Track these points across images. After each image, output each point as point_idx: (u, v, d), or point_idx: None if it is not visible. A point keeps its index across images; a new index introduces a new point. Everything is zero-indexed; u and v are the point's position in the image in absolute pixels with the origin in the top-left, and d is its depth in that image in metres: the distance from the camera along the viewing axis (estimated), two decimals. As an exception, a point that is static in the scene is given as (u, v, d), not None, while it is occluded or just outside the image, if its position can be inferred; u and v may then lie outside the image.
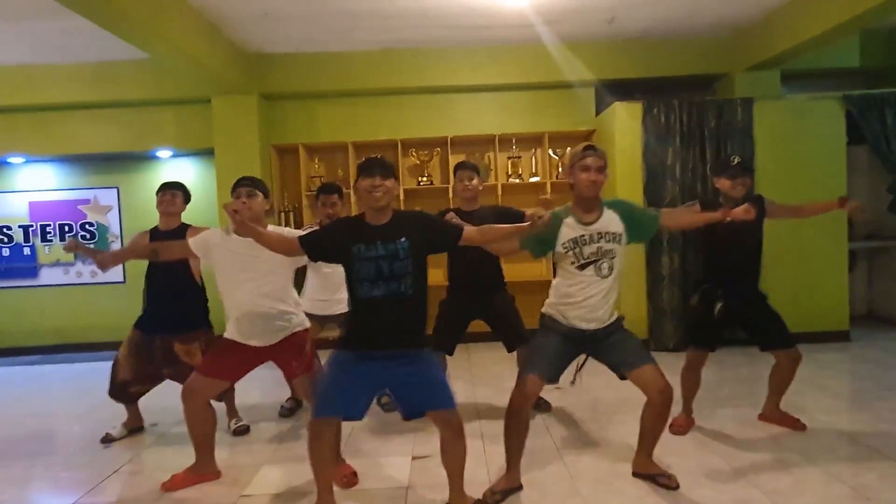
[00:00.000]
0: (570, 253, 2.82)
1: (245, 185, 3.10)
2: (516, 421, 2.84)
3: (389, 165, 2.62)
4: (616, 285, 2.87)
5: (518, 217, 3.32)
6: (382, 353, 2.56)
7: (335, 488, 2.77)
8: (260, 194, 3.12)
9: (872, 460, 3.11)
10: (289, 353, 3.15)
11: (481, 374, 5.12)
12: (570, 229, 2.83)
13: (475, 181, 3.89)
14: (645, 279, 5.76)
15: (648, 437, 2.96)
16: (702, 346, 3.63)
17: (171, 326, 3.73)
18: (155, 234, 3.82)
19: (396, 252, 2.51)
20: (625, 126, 5.76)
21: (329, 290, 4.11)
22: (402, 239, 2.53)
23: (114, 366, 3.84)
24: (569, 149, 6.51)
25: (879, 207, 6.39)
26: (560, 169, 6.48)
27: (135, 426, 4.02)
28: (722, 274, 3.54)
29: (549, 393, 4.28)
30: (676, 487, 2.86)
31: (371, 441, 3.66)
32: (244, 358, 3.13)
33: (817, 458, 3.15)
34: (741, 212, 2.95)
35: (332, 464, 2.74)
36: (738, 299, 3.49)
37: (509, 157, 6.51)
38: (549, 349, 2.86)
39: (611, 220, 2.84)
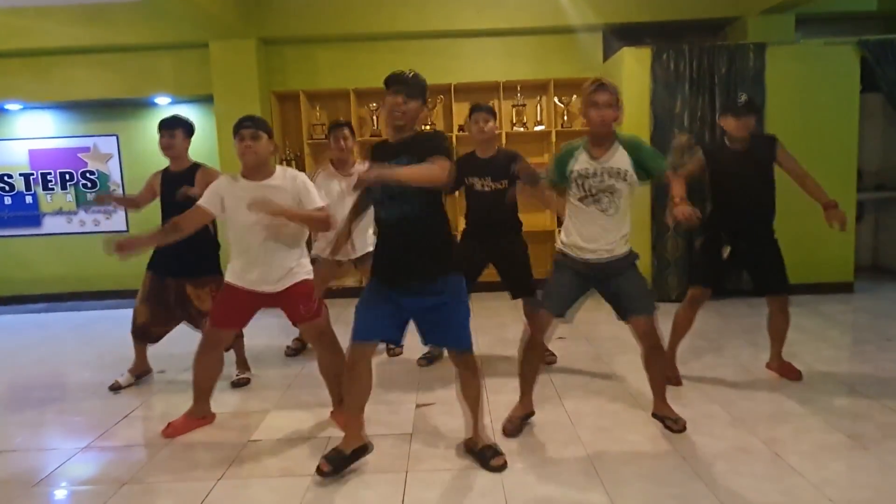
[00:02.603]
0: (575, 185, 2.86)
1: (248, 127, 2.96)
2: (530, 352, 3.02)
3: (416, 84, 2.61)
4: (620, 223, 2.86)
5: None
6: (402, 288, 2.57)
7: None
8: (264, 135, 2.99)
9: (871, 410, 3.15)
10: (295, 299, 3.08)
11: (484, 325, 5.15)
12: (578, 162, 2.86)
13: (490, 124, 3.80)
14: (650, 230, 5.73)
15: (653, 383, 3.09)
16: (704, 284, 3.61)
17: (182, 270, 3.72)
18: (166, 176, 3.78)
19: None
20: (633, 72, 5.62)
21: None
22: (412, 158, 2.46)
23: (134, 310, 3.89)
24: (574, 96, 6.39)
25: (891, 157, 6.30)
26: (565, 117, 6.37)
27: (141, 371, 4.06)
28: (728, 217, 3.54)
29: (551, 343, 4.33)
30: (680, 430, 2.95)
31: (375, 389, 3.70)
32: (250, 303, 3.11)
33: (816, 408, 3.19)
34: (680, 214, 3.07)
35: (369, 389, 2.73)
36: (744, 242, 3.50)
37: (514, 105, 6.38)
38: (561, 284, 2.94)
39: (620, 157, 2.83)
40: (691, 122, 5.58)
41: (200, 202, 3.06)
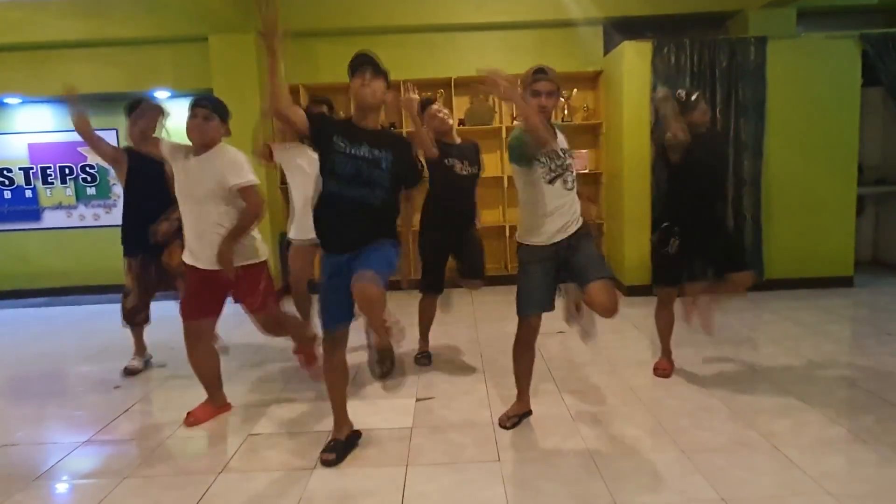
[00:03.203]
0: (544, 166, 2.85)
1: (204, 107, 2.99)
2: (524, 354, 3.06)
3: (380, 65, 2.63)
4: (577, 198, 2.95)
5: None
6: (344, 253, 2.62)
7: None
8: (217, 118, 3.02)
9: (871, 404, 3.16)
10: (243, 286, 3.09)
11: (484, 318, 5.17)
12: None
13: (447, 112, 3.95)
14: (650, 223, 5.71)
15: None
16: (668, 284, 3.68)
17: (155, 247, 3.84)
18: (134, 155, 3.90)
19: (380, 161, 2.57)
20: (633, 66, 5.60)
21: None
22: (388, 153, 2.59)
23: (123, 297, 4.02)
24: (575, 90, 6.38)
25: (892, 151, 6.29)
26: (566, 111, 6.36)
27: (146, 355, 4.20)
28: (677, 209, 3.57)
29: (550, 338, 4.33)
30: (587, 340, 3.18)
31: (375, 384, 3.72)
32: (210, 286, 3.10)
33: (816, 402, 3.19)
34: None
35: (345, 386, 2.86)
36: (694, 230, 3.50)
37: (514, 99, 6.36)
38: (536, 282, 2.92)
39: (563, 139, 2.96)
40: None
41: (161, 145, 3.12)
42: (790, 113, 5.56)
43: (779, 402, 3.23)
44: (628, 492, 2.40)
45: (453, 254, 3.98)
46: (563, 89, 6.09)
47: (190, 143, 3.06)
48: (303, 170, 3.86)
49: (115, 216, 6.92)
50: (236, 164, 3.00)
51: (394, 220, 2.76)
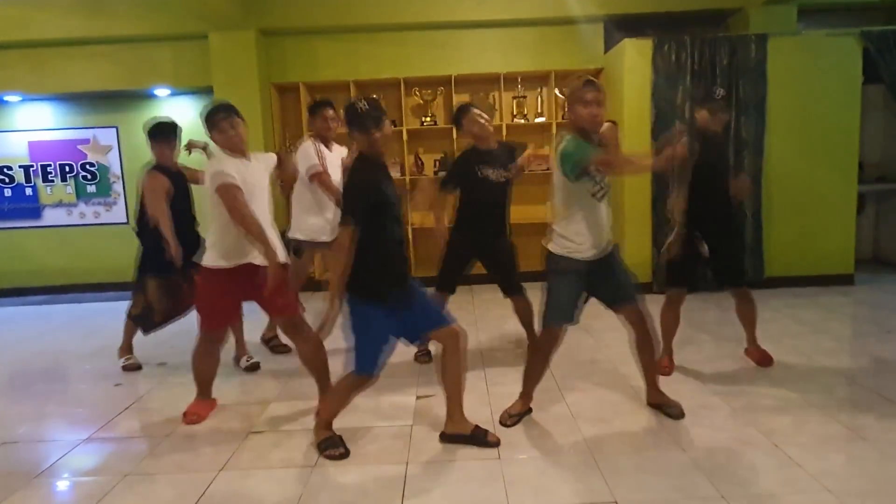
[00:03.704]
0: (592, 179, 2.80)
1: (238, 115, 3.08)
2: (542, 360, 3.09)
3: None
4: (608, 210, 2.95)
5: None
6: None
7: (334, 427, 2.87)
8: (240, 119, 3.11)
9: (871, 402, 3.16)
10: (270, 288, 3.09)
11: (484, 316, 5.17)
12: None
13: (488, 118, 3.83)
14: (650, 221, 5.72)
15: (646, 371, 3.14)
16: (679, 285, 3.68)
17: (186, 256, 3.72)
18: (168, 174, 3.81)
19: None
20: (634, 64, 5.60)
21: (321, 208, 3.99)
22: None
23: (146, 310, 3.88)
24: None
25: (893, 149, 6.28)
26: (566, 109, 6.35)
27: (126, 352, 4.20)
28: (706, 211, 3.54)
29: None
30: (679, 416, 3.01)
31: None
32: (234, 293, 3.13)
33: (816, 399, 3.20)
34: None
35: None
36: (714, 238, 3.54)
37: (514, 97, 6.36)
38: (567, 294, 2.92)
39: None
40: (692, 113, 5.55)
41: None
42: (791, 110, 5.56)
43: (779, 399, 3.23)
44: (628, 489, 2.41)
45: (483, 263, 3.89)
46: (564, 88, 6.20)
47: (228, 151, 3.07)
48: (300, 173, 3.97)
49: (116, 214, 6.93)
50: (269, 157, 3.33)
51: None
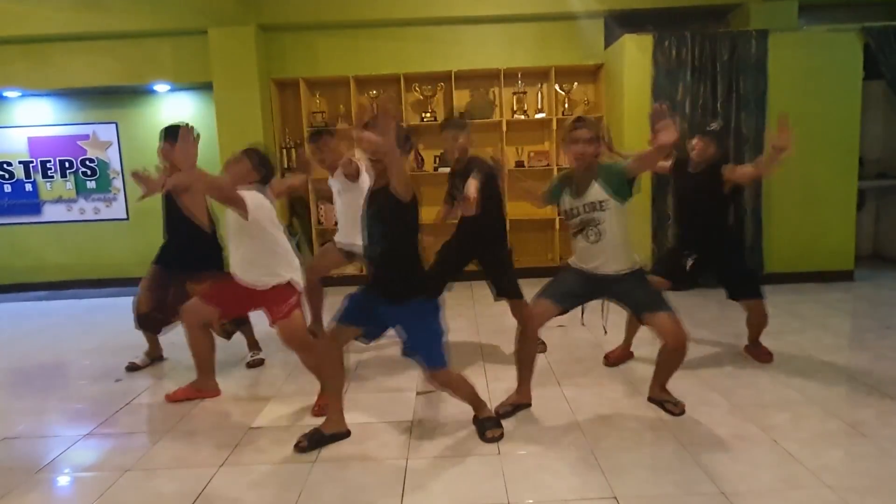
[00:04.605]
0: (566, 219, 3.04)
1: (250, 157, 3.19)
2: (525, 343, 3.09)
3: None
4: (610, 244, 2.93)
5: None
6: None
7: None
8: (245, 159, 3.18)
9: (870, 398, 3.16)
10: (274, 299, 3.24)
11: (484, 312, 5.17)
12: (565, 200, 3.00)
13: (461, 140, 3.71)
14: (650, 219, 5.72)
15: (662, 372, 3.13)
16: (662, 275, 3.72)
17: (185, 267, 3.76)
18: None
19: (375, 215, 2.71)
20: (634, 60, 5.59)
21: (350, 218, 3.93)
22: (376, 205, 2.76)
23: (134, 301, 3.96)
24: (575, 84, 6.36)
25: (893, 145, 6.27)
26: (566, 104, 6.35)
27: (156, 355, 4.18)
28: (688, 234, 3.76)
29: (550, 331, 4.33)
30: (680, 413, 3.02)
31: (377, 377, 3.73)
32: (239, 295, 3.24)
33: (815, 396, 3.20)
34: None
35: (343, 372, 2.94)
36: (707, 254, 3.68)
37: (514, 93, 6.35)
38: (566, 280, 3.06)
39: (597, 190, 2.90)
40: (693, 109, 5.56)
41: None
42: (791, 106, 5.48)
43: (779, 395, 3.24)
44: (628, 485, 2.41)
45: (478, 264, 3.88)
46: (564, 85, 6.20)
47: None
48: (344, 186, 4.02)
49: (116, 210, 6.93)
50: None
51: (415, 268, 2.72)
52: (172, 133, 3.75)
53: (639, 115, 5.55)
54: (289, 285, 3.24)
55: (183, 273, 3.76)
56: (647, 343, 4.14)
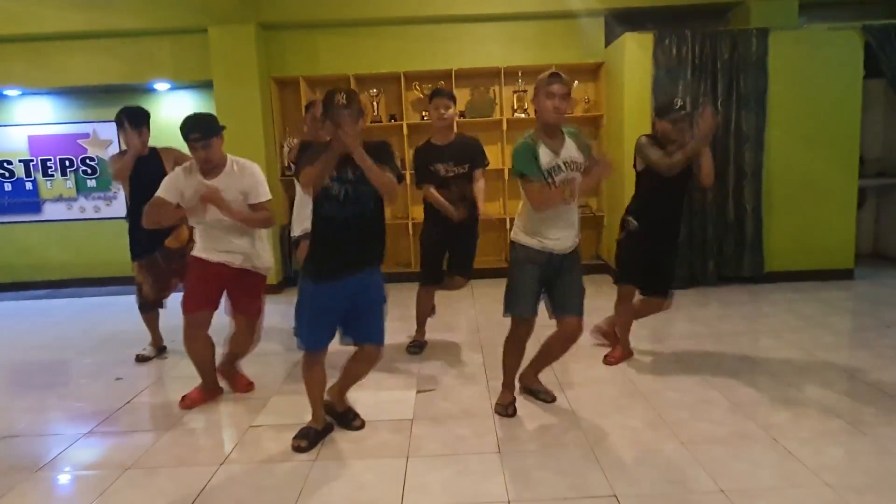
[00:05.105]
0: (548, 179, 2.83)
1: (196, 139, 3.04)
2: (516, 350, 3.11)
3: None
4: (576, 212, 2.95)
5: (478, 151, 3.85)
6: (347, 274, 2.71)
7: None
8: (213, 137, 3.08)
9: (870, 396, 3.16)
10: (244, 289, 3.30)
11: (484, 310, 5.17)
12: (543, 156, 2.82)
13: (451, 111, 3.84)
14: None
15: (542, 360, 3.21)
16: (629, 282, 3.72)
17: (160, 239, 3.81)
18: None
19: (362, 177, 2.60)
20: (634, 58, 5.58)
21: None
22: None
23: (137, 290, 4.03)
24: (576, 82, 6.36)
25: (893, 144, 6.26)
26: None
27: (160, 344, 4.24)
28: (651, 220, 3.58)
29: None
30: (552, 400, 3.19)
31: (376, 376, 3.72)
32: (213, 282, 3.24)
33: (815, 394, 3.20)
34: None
35: (324, 386, 2.94)
36: (664, 241, 3.61)
37: (515, 91, 6.35)
38: (527, 283, 2.94)
39: (571, 148, 2.87)
40: (693, 108, 5.53)
41: (163, 196, 3.11)
42: (792, 105, 5.54)
43: (778, 394, 3.24)
44: (628, 483, 2.41)
45: (448, 250, 3.98)
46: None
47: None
48: None
49: (116, 208, 6.93)
50: (257, 181, 3.21)
51: (383, 232, 2.84)
52: (132, 117, 3.79)
53: (639, 114, 5.55)
54: (264, 278, 3.42)
55: (159, 244, 3.84)
56: (647, 343, 4.15)
